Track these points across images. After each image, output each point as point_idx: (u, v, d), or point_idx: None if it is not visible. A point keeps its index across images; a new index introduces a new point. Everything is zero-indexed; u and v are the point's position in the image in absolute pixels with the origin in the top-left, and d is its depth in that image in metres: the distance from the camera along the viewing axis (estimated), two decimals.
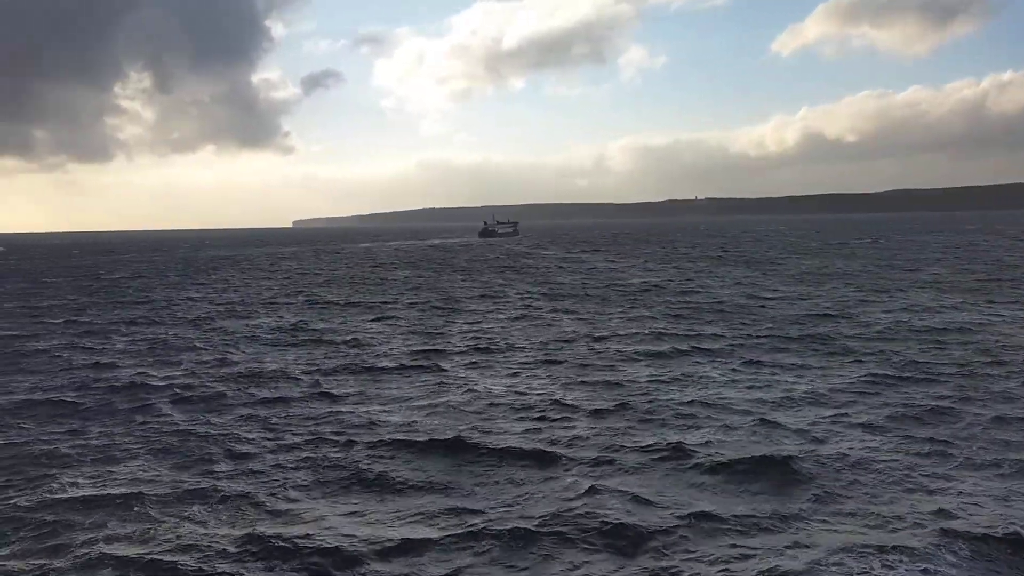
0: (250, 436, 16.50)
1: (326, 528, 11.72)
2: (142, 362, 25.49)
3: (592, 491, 12.70)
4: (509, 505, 12.48)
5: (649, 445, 15.04)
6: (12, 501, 12.90)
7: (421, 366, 23.75)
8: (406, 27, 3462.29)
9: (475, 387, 20.61)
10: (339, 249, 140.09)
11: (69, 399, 20.11)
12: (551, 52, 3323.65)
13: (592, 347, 26.35)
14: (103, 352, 27.61)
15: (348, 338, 29.64)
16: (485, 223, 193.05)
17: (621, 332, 29.40)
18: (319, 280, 62.02)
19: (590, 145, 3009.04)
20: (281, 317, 36.90)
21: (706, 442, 15.23)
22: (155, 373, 23.49)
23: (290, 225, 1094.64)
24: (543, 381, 21.29)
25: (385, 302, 42.91)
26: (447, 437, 15.86)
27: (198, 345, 28.71)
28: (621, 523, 11.41)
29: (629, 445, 15.13)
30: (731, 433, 15.86)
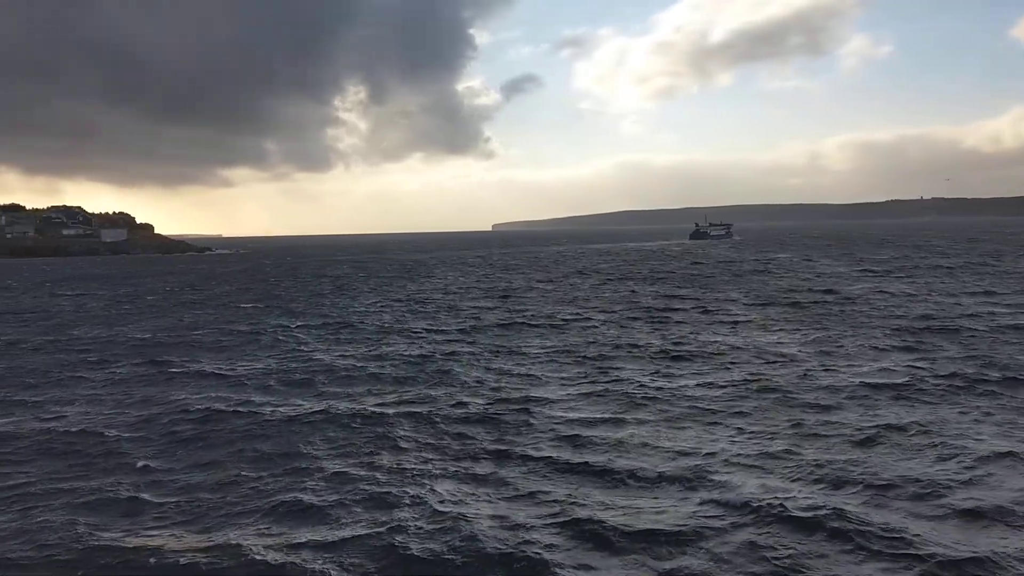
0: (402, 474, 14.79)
1: None
2: (327, 378, 25.06)
3: None
4: None
5: (890, 533, 11.42)
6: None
7: (605, 393, 21.17)
8: (609, 27, 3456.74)
9: (668, 429, 17.69)
10: (537, 252, 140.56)
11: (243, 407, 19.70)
12: (762, 45, 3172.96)
13: (812, 376, 22.30)
14: (289, 358, 27.69)
15: (534, 352, 27.66)
16: (697, 225, 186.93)
17: (849, 356, 25.00)
18: (507, 287, 61.09)
19: (803, 143, 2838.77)
20: (469, 328, 35.80)
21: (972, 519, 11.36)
22: (341, 390, 22.87)
23: (490, 228, 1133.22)
24: (747, 419, 17.89)
25: (580, 312, 40.64)
26: (622, 503, 13.19)
27: (371, 355, 27.98)
28: None
29: (854, 530, 11.58)
30: (1000, 505, 11.82)
